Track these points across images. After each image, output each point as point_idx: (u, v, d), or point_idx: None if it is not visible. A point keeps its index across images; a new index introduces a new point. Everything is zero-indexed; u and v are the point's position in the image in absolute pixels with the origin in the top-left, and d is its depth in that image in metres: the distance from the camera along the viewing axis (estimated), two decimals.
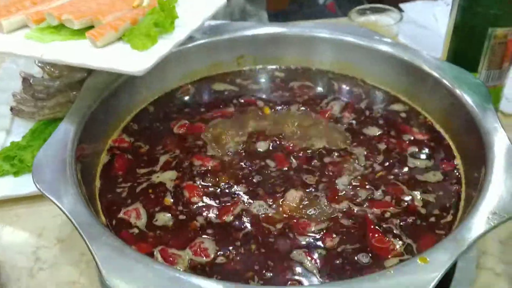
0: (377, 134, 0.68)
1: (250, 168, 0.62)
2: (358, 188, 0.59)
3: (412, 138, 0.67)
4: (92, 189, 0.59)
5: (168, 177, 0.62)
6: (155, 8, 0.66)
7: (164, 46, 0.63)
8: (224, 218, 0.55)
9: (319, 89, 0.79)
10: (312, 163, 0.63)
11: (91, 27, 0.66)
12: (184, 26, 0.68)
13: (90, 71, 0.71)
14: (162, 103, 0.75)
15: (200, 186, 0.60)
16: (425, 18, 1.11)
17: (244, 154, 0.65)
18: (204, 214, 0.56)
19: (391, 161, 0.63)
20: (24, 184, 0.69)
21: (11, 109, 0.82)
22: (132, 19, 0.67)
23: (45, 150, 0.56)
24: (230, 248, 0.52)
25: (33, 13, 0.68)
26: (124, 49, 0.63)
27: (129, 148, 0.67)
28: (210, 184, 0.60)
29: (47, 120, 0.79)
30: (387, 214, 0.56)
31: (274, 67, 0.83)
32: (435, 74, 0.68)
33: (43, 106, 0.79)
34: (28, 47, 0.63)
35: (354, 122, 0.70)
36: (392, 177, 0.60)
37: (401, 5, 1.15)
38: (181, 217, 0.56)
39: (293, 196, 0.57)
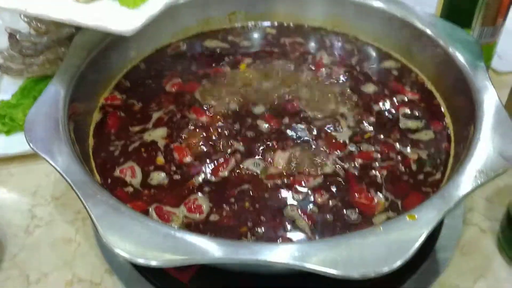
0: (371, 92, 0.68)
1: (240, 127, 0.62)
2: (349, 146, 0.60)
3: (404, 98, 0.67)
4: (85, 147, 0.60)
5: (159, 134, 0.62)
6: None
7: (155, 4, 0.60)
8: (218, 175, 0.56)
9: (311, 45, 0.78)
10: (303, 122, 0.63)
11: None
12: None
13: (78, 27, 0.69)
14: (153, 60, 0.74)
15: (189, 146, 0.60)
16: None
17: (235, 113, 0.65)
18: (197, 172, 0.57)
19: (384, 121, 0.64)
20: (16, 143, 0.69)
21: None
22: None
23: (37, 108, 0.56)
24: (224, 205, 0.53)
25: None
26: (113, 6, 0.60)
27: (122, 106, 0.66)
28: (200, 142, 0.60)
29: (37, 77, 0.78)
30: (375, 170, 0.57)
31: (266, 23, 0.82)
32: (428, 31, 0.68)
33: (31, 63, 0.78)
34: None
35: (345, 78, 0.70)
36: (382, 136, 0.61)
37: None
38: (175, 176, 0.56)
39: (281, 156, 0.58)
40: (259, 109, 0.65)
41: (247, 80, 0.70)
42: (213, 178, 0.56)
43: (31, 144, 0.51)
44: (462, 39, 0.65)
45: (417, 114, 0.64)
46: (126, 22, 0.56)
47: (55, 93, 0.58)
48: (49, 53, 0.78)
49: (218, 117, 0.64)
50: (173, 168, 0.57)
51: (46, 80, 0.77)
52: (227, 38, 0.79)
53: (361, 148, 0.59)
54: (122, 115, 0.65)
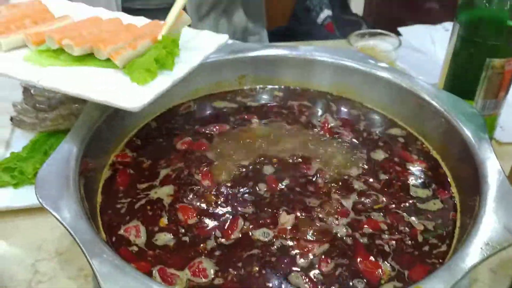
0: (379, 158, 0.69)
1: (247, 188, 0.63)
2: (357, 213, 0.60)
3: (412, 166, 0.68)
4: (93, 204, 0.60)
5: (166, 192, 0.63)
6: (157, 44, 0.64)
7: (163, 82, 0.61)
8: (226, 238, 0.56)
9: (318, 108, 0.80)
10: (310, 184, 0.64)
11: (91, 54, 0.64)
12: (184, 62, 0.65)
13: None
14: (164, 119, 0.76)
15: (194, 207, 0.60)
16: (423, 42, 1.13)
17: (243, 174, 0.66)
18: (204, 234, 0.57)
19: (392, 189, 0.64)
20: (24, 196, 0.70)
21: (11, 119, 0.82)
22: (133, 46, 0.64)
23: (49, 165, 0.57)
24: (230, 269, 0.53)
25: (33, 33, 0.65)
26: (123, 80, 0.61)
27: (132, 163, 0.68)
28: (205, 205, 0.61)
29: (48, 132, 0.79)
30: (382, 239, 0.57)
31: (274, 86, 0.84)
32: (433, 102, 0.70)
33: (44, 117, 0.80)
34: (25, 70, 0.61)
35: (352, 143, 0.72)
36: (393, 206, 0.61)
37: (399, 29, 1.18)
38: (183, 238, 0.57)
39: (286, 219, 0.58)
40: (266, 170, 0.66)
41: (254, 141, 0.72)
42: (220, 242, 0.56)
43: (41, 201, 0.52)
44: (466, 111, 0.67)
45: (425, 183, 0.65)
46: (133, 98, 0.57)
47: (68, 150, 0.59)
48: (63, 109, 0.80)
49: (225, 177, 0.65)
50: (180, 230, 0.58)
51: (58, 134, 0.78)
52: (236, 98, 0.82)
53: (369, 216, 0.60)
54: (131, 172, 0.66)
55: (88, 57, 0.64)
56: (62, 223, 0.50)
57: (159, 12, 1.20)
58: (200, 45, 0.70)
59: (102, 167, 0.66)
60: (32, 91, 0.84)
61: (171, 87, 0.61)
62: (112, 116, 0.67)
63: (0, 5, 0.72)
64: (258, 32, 1.41)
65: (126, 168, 0.67)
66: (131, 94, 0.58)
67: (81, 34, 0.65)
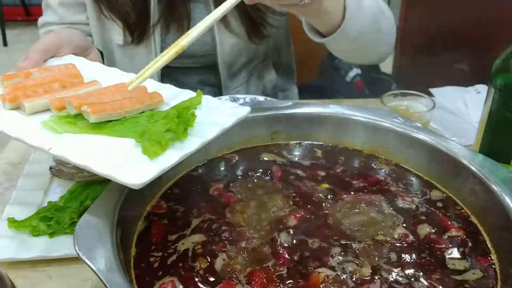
0: (415, 225, 0.67)
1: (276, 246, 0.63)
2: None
3: (450, 233, 0.66)
4: (128, 256, 0.60)
5: (195, 240, 0.64)
6: (170, 113, 0.63)
7: (170, 157, 0.58)
8: None
9: (355, 166, 0.80)
10: (347, 254, 0.62)
11: (108, 121, 0.65)
12: (197, 135, 0.62)
13: None
14: (201, 171, 0.78)
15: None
16: (455, 104, 1.13)
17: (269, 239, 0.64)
18: None
19: (429, 260, 0.62)
20: (58, 246, 0.70)
21: (51, 168, 0.84)
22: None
23: (88, 216, 0.58)
24: None
25: (56, 99, 0.66)
26: (133, 152, 0.60)
27: (166, 213, 0.68)
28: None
29: (85, 182, 0.81)
30: None
31: (307, 142, 0.85)
32: (469, 165, 0.69)
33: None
34: (39, 136, 0.62)
35: (387, 206, 0.70)
36: (426, 279, 0.59)
37: (432, 90, 1.18)
38: None
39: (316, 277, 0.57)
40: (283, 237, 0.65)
41: (282, 198, 0.72)
42: None
43: (79, 252, 0.52)
44: (504, 176, 0.66)
45: (464, 252, 0.63)
46: (137, 174, 0.55)
47: (107, 201, 0.60)
48: None
49: (254, 234, 0.65)
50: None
51: (94, 185, 0.79)
52: (273, 151, 0.83)
53: None
54: (165, 223, 0.67)
55: (105, 125, 0.64)
56: (97, 275, 0.50)
57: (193, 70, 1.25)
58: (219, 117, 0.67)
59: (138, 218, 0.66)
60: None
61: (178, 162, 0.58)
62: None
63: (34, 67, 0.75)
64: (288, 88, 1.43)
65: (160, 219, 0.67)
66: (136, 169, 0.56)
67: (101, 101, 0.65)
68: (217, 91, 1.25)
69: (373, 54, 1.11)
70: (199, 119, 0.63)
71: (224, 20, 1.13)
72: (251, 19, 1.14)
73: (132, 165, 0.57)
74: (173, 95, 0.73)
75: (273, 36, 1.25)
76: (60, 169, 0.84)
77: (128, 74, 0.76)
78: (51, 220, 0.72)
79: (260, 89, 1.33)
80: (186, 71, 1.24)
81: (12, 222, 0.72)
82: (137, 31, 1.11)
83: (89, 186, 0.80)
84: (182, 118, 0.61)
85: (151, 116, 0.66)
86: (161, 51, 1.14)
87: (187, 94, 0.72)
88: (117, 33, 1.12)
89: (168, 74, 1.21)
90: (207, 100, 0.71)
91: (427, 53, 1.82)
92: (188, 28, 1.11)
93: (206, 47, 1.19)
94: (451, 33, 1.70)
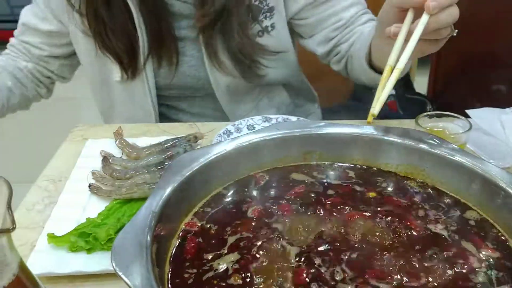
0: (454, 250, 0.65)
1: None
2: None
3: (489, 258, 0.64)
4: (162, 273, 0.61)
5: (230, 259, 0.64)
6: None
7: None
8: None
9: (389, 189, 0.79)
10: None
11: None
12: None
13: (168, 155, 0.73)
14: (233, 190, 0.78)
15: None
16: (492, 125, 1.11)
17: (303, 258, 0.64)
18: None
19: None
20: (96, 261, 0.72)
21: (90, 186, 0.87)
22: None
23: (125, 232, 0.59)
24: None
25: None
26: None
27: (200, 231, 0.69)
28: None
29: (123, 199, 0.83)
30: None
31: (340, 164, 0.85)
32: (508, 189, 0.68)
33: (120, 185, 0.84)
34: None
35: (425, 233, 0.69)
36: None
37: (468, 111, 1.16)
38: None
39: None
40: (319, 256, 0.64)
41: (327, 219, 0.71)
42: None
43: (116, 268, 0.53)
44: None
45: (504, 277, 0.61)
46: None
47: (143, 218, 0.61)
48: (137, 178, 0.84)
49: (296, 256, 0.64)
50: None
51: (131, 202, 0.81)
52: (311, 173, 0.82)
53: None
54: (199, 241, 0.67)
55: None
56: None
57: (194, 100, 1.25)
58: None
59: (172, 235, 0.67)
60: (110, 160, 0.89)
61: None
62: (185, 185, 0.69)
63: None
64: (305, 104, 1.42)
65: (194, 236, 0.68)
66: None
67: None
68: (224, 116, 1.25)
69: None
70: None
71: (216, 60, 1.12)
72: (243, 62, 1.13)
73: None
74: None
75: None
76: (99, 186, 0.86)
77: None
78: (89, 236, 0.74)
79: (273, 110, 1.31)
80: (185, 100, 1.25)
81: (52, 237, 0.75)
82: (130, 68, 1.13)
83: (126, 204, 0.82)
84: None
85: None
86: (156, 86, 1.17)
87: None
88: (114, 70, 1.15)
89: (166, 100, 1.22)
90: None
91: (462, 74, 1.79)
92: (177, 62, 1.13)
93: (201, 81, 1.19)
94: (487, 53, 1.67)
